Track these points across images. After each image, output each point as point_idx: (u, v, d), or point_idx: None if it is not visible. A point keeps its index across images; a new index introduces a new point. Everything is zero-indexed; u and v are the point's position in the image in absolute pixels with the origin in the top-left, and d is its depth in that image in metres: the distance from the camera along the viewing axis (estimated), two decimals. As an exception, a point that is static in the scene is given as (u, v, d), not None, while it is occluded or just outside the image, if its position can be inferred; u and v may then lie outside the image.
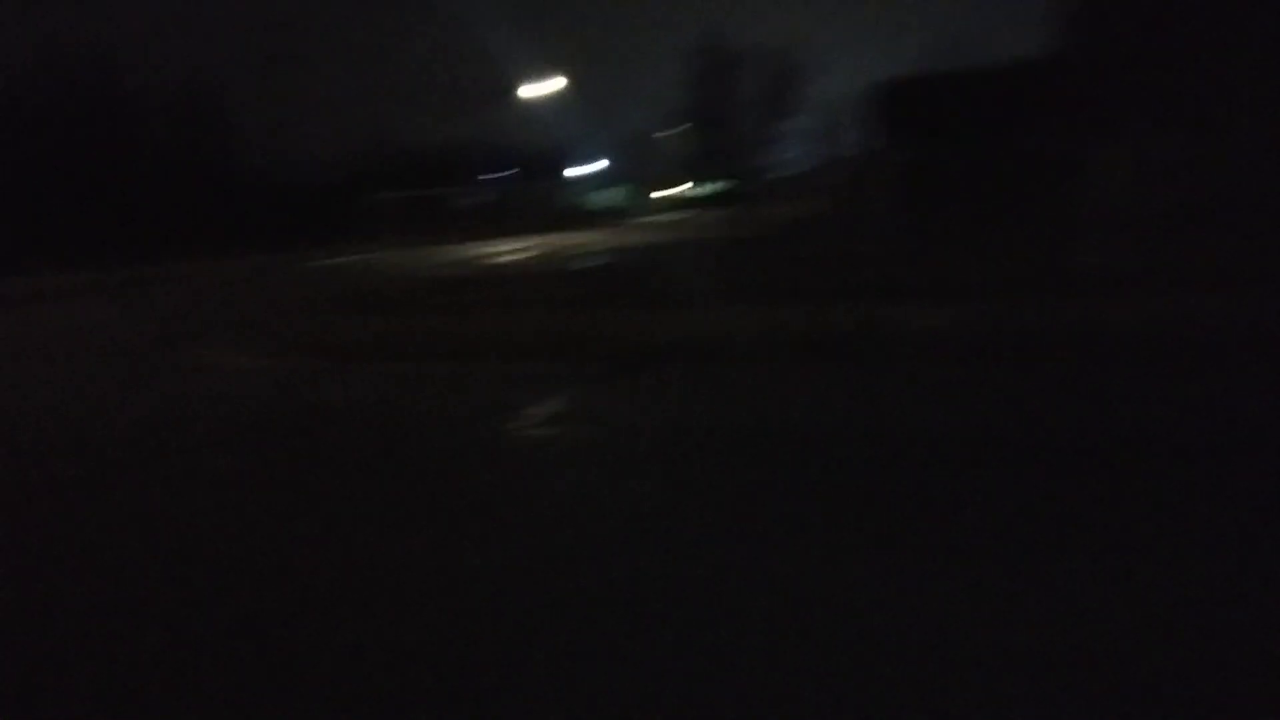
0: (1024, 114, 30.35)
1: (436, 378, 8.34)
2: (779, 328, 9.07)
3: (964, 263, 12.73)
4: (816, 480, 4.64)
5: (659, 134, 72.54)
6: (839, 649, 2.89)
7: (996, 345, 7.69)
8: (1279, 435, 4.84)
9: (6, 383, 10.44)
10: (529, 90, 53.11)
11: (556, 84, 52.79)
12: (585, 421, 6.28)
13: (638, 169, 73.02)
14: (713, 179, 64.64)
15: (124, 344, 12.66)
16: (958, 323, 8.64)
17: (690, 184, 67.16)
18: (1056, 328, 8.08)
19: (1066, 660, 2.79)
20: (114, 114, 47.77)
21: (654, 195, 70.45)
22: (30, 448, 6.84)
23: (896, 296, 10.41)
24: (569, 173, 67.49)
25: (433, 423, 6.65)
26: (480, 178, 57.07)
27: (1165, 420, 5.23)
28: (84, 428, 7.37)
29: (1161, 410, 5.44)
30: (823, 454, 5.09)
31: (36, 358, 12.15)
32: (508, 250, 27.61)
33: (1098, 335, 7.73)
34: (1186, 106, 19.67)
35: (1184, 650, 2.78)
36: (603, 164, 69.59)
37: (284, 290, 19.71)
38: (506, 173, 60.12)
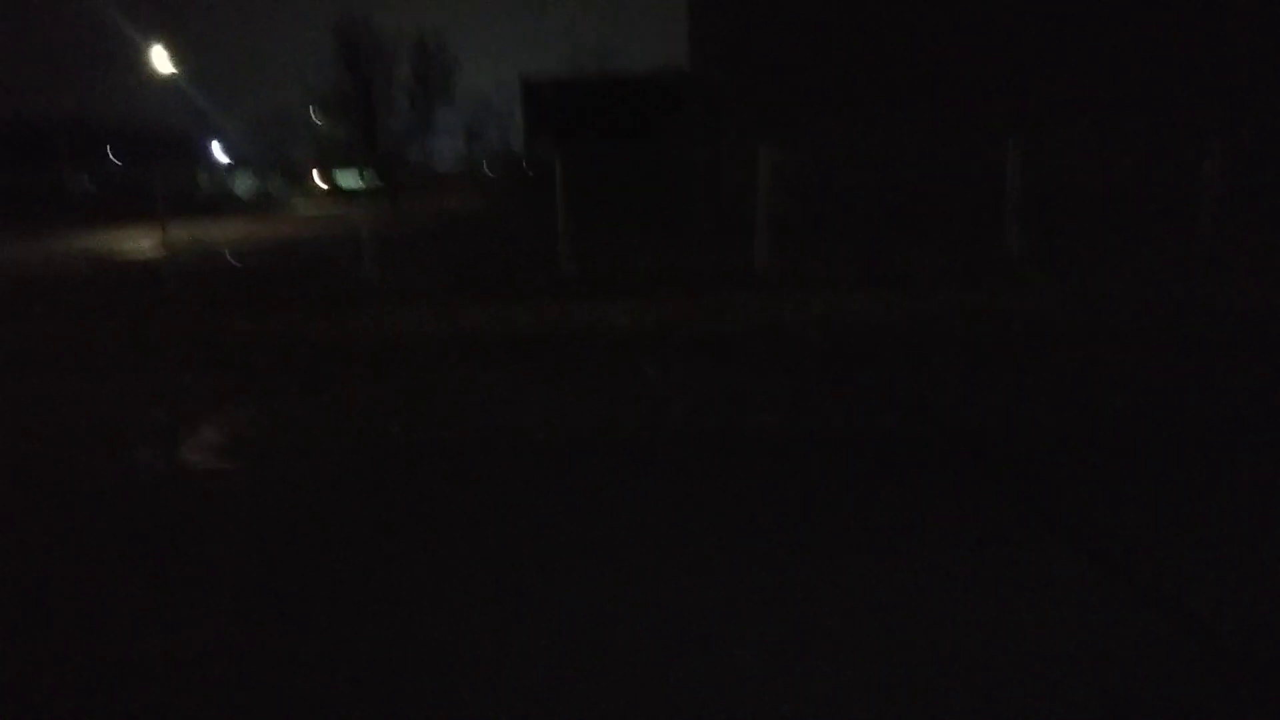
0: (659, 121, 32.57)
1: (64, 397, 7.24)
2: (459, 328, 9.07)
3: (626, 261, 13.45)
4: (517, 494, 4.66)
5: (307, 121, 69.15)
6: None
7: (683, 342, 8.15)
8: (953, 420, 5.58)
9: None
10: (161, 66, 48.43)
11: (193, 60, 48.63)
12: (259, 448, 5.73)
13: (283, 156, 69.10)
14: (361, 169, 62.84)
15: None
16: (642, 320, 9.09)
17: (341, 173, 64.74)
18: (735, 325, 8.75)
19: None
20: None
21: (303, 183, 67.12)
22: None
23: (570, 294, 10.77)
24: (208, 157, 62.52)
25: (63, 456, 5.66)
26: (104, 158, 51.11)
27: (842, 411, 5.90)
28: None
29: (842, 400, 6.14)
30: (523, 464, 5.11)
31: None
32: (138, 241, 25.13)
33: (776, 331, 8.49)
34: (807, 122, 22.12)
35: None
36: (243, 149, 65.16)
37: None
38: (122, 154, 54.35)
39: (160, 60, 48.11)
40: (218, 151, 63.98)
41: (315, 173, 65.33)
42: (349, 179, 60.24)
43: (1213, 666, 2.93)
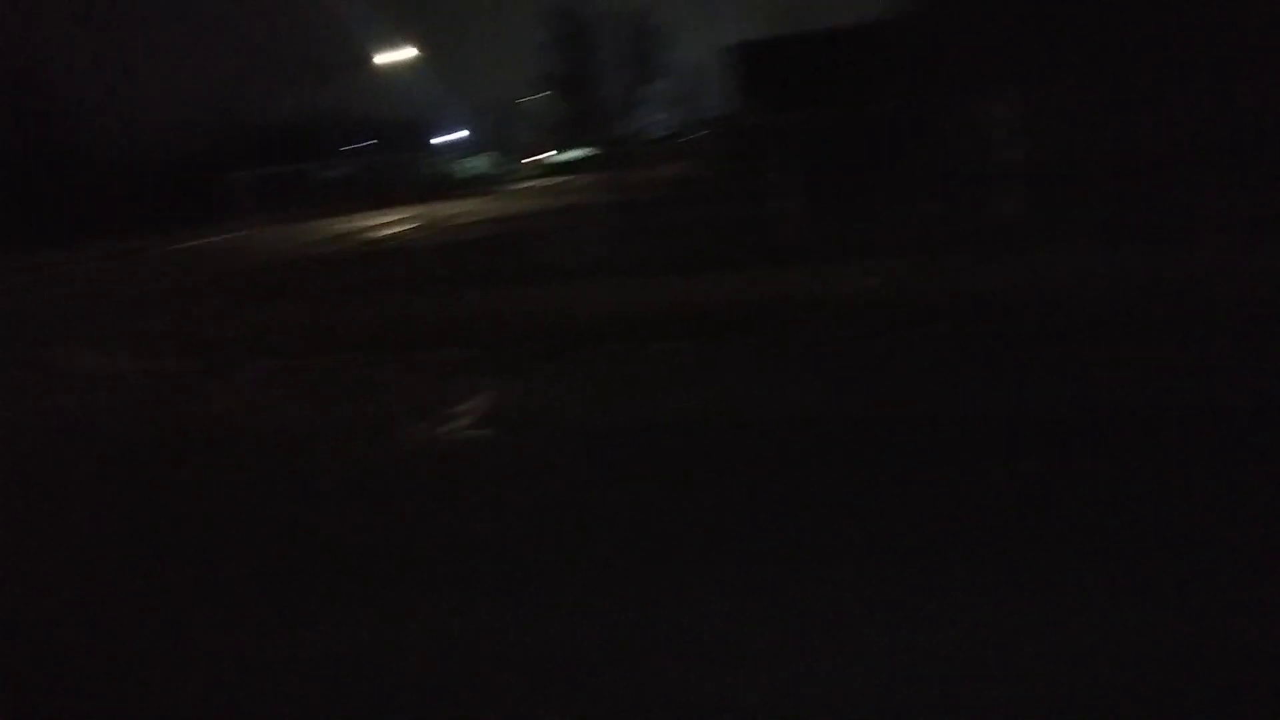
0: (879, 74, 31.19)
1: (332, 374, 7.78)
2: (684, 299, 8.95)
3: (851, 223, 12.90)
4: (768, 478, 4.41)
5: (523, 100, 71.61)
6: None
7: (930, 310, 7.49)
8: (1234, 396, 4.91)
9: None
10: (387, 59, 51.54)
11: (415, 51, 51.36)
12: (514, 421, 5.91)
13: (504, 136, 72.06)
14: (578, 144, 64.34)
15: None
16: (886, 287, 8.58)
17: (557, 150, 66.63)
18: (992, 288, 8.07)
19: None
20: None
21: (522, 161, 69.71)
22: None
23: (800, 261, 10.37)
24: (434, 141, 66.11)
25: (339, 433, 6.01)
26: (343, 149, 55.14)
27: (1132, 390, 5.20)
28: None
29: (1128, 378, 5.39)
30: (772, 445, 4.88)
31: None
32: (382, 223, 26.99)
33: (1032, 294, 7.73)
34: (1039, 63, 20.58)
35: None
36: (468, 132, 68.40)
37: (144, 279, 18.29)
38: (370, 143, 58.34)
39: (400, 54, 51.18)
40: (450, 136, 67.51)
41: (537, 151, 67.68)
42: (568, 154, 61.95)
43: None
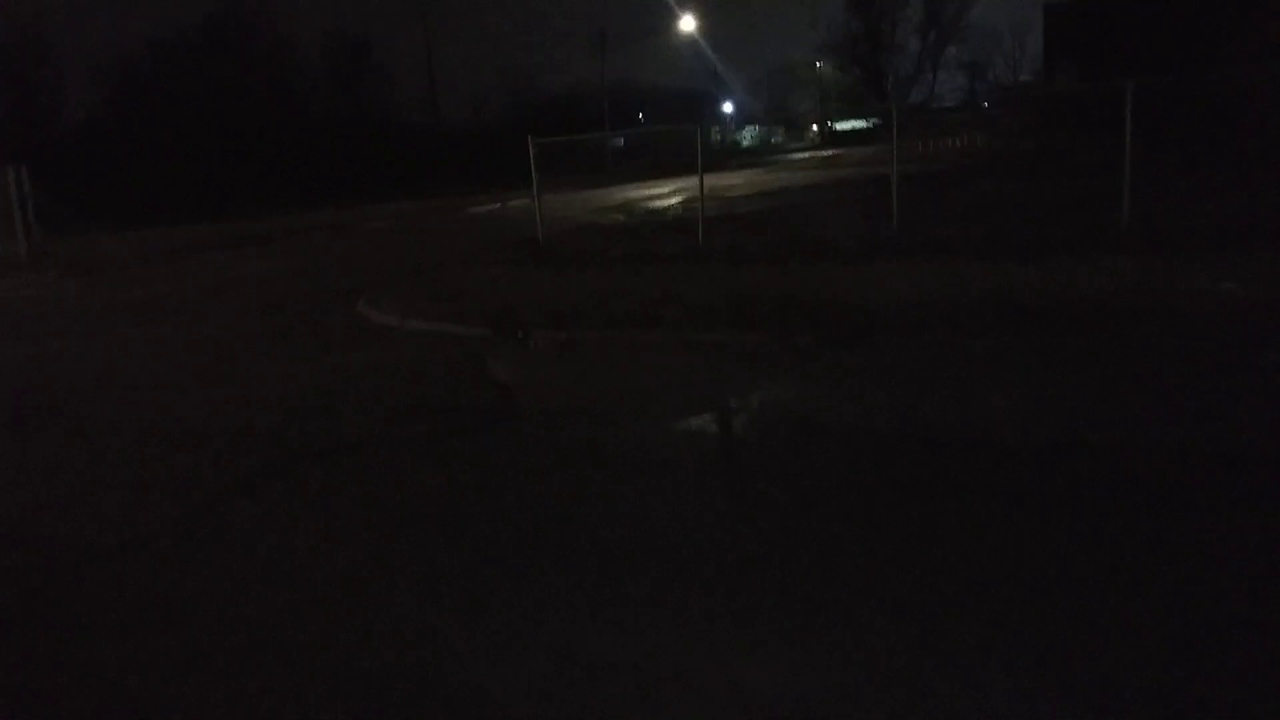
0: (1219, 33, 27.30)
1: (613, 350, 7.75)
2: (996, 287, 8.03)
3: (1206, 209, 11.16)
4: (1086, 522, 3.73)
5: (804, 68, 70.13)
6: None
7: None
8: None
9: (165, 344, 10.01)
10: (674, 29, 52.04)
11: (696, 22, 51.50)
12: (796, 422, 5.50)
13: (784, 105, 70.95)
14: (861, 113, 62.41)
15: (284, 301, 12.16)
16: (1249, 286, 7.24)
17: (838, 119, 64.84)
18: None
19: None
20: (268, 64, 48.97)
21: (802, 131, 68.59)
22: (169, 440, 6.13)
23: (1137, 250, 9.09)
24: (714, 110, 66.29)
25: (615, 416, 5.97)
26: (626, 118, 56.57)
27: None
28: (237, 416, 6.59)
29: None
30: (1103, 480, 4.14)
31: (193, 314, 11.88)
32: (661, 193, 27.13)
33: None
34: None
35: None
36: (748, 101, 68.01)
37: (446, 240, 19.33)
38: (650, 113, 59.52)
39: (686, 25, 51.58)
40: (728, 107, 67.48)
41: (817, 121, 66.24)
42: (850, 124, 60.15)
43: None
